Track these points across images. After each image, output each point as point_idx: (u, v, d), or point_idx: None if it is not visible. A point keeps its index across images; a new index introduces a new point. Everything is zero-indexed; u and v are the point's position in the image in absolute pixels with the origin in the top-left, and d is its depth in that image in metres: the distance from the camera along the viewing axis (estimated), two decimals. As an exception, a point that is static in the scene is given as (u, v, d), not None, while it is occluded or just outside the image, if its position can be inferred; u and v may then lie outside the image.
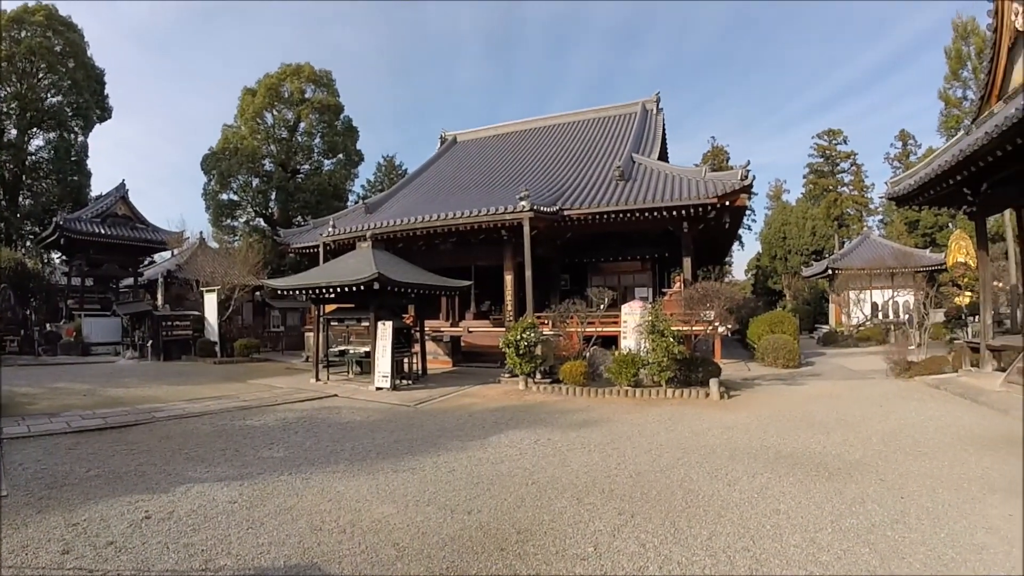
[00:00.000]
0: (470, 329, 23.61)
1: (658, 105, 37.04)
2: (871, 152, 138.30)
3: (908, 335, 22.03)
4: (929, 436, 9.42)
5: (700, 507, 6.19)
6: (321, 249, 25.46)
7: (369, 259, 16.83)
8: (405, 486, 7.02)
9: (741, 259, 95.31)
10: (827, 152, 71.07)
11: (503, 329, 19.14)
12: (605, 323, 19.54)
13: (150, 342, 26.09)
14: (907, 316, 30.80)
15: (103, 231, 30.81)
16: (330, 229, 25.03)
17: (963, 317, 25.77)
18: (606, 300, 20.05)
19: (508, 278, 22.27)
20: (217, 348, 25.89)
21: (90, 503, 6.35)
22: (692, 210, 20.52)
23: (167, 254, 36.23)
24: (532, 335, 15.93)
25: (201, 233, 36.63)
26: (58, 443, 9.30)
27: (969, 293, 26.61)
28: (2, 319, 27.83)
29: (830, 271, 40.43)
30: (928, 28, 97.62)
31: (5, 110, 37.59)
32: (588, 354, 16.96)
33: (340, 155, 48.30)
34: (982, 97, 15.75)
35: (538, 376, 16.37)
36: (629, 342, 16.43)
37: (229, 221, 45.98)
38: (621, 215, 21.04)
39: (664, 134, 34.81)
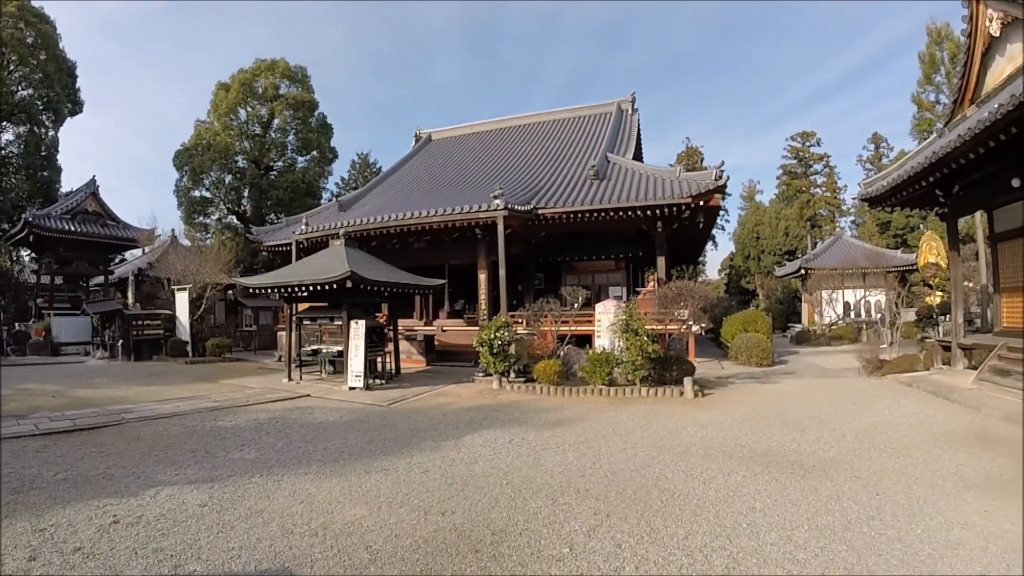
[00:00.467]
0: (444, 328, 23.54)
1: (633, 105, 37.24)
2: (844, 154, 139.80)
3: (880, 334, 22.29)
4: (903, 433, 9.52)
5: (676, 506, 6.19)
6: (294, 247, 25.26)
7: (342, 257, 16.70)
8: (378, 487, 6.95)
9: (715, 259, 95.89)
10: (800, 154, 71.79)
11: (477, 328, 19.12)
12: (579, 322, 19.58)
13: (120, 342, 25.70)
14: (879, 315, 31.21)
15: (73, 228, 30.37)
16: (303, 227, 24.87)
17: (934, 316, 26.11)
18: (580, 299, 20.08)
19: (482, 277, 22.25)
20: (189, 348, 25.58)
21: (58, 507, 6.21)
22: (666, 210, 20.62)
23: (138, 252, 35.81)
24: (506, 334, 15.88)
25: (173, 230, 36.25)
26: (26, 446, 9.10)
27: (940, 293, 27.05)
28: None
29: (803, 271, 40.83)
30: (902, 33, 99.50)
31: (-26, 103, 36.72)
32: (562, 353, 16.96)
33: (314, 152, 47.88)
34: (955, 101, 16.04)
35: (512, 375, 16.33)
36: (603, 341, 16.46)
37: (201, 218, 45.41)
38: (596, 214, 21.09)
39: (639, 134, 35.01)
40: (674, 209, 20.54)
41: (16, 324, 29.23)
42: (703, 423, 10.78)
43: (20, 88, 38.02)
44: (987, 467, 7.42)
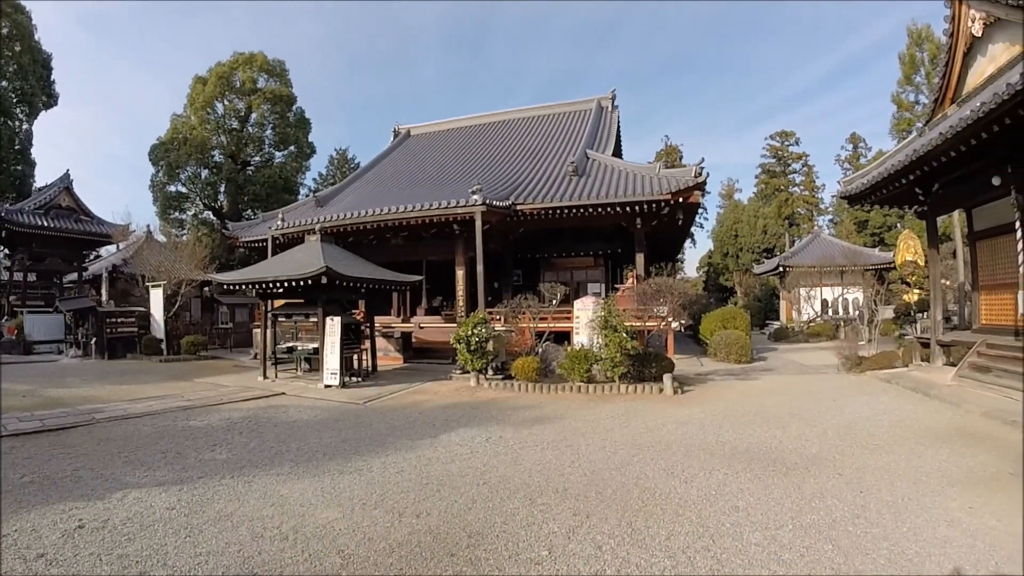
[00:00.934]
0: (421, 325, 23.43)
1: (613, 103, 37.31)
2: (822, 154, 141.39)
3: (858, 331, 22.41)
4: (884, 430, 9.52)
5: (657, 505, 6.09)
6: (270, 243, 25.01)
7: (317, 253, 16.48)
8: (351, 488, 6.80)
9: (693, 256, 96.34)
10: (779, 153, 72.46)
11: (455, 325, 18.93)
12: (558, 318, 19.55)
13: (94, 340, 25.25)
14: (857, 312, 31.40)
15: (46, 223, 29.70)
16: (279, 222, 24.61)
17: (912, 314, 26.39)
18: (559, 295, 20.07)
19: (460, 273, 22.17)
20: (163, 346, 25.14)
21: (22, 512, 6.01)
22: (646, 206, 20.63)
23: (113, 248, 35.30)
24: (483, 331, 15.75)
25: (148, 226, 35.86)
26: (-9, 447, 8.87)
27: (918, 290, 27.24)
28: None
29: (781, 268, 41.17)
30: (883, 36, 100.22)
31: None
32: (540, 350, 16.88)
33: (292, 147, 47.21)
34: (936, 100, 16.18)
35: (490, 372, 16.24)
36: (582, 337, 16.37)
37: (177, 214, 44.62)
38: (575, 210, 21.06)
39: (619, 131, 35.10)
40: (653, 205, 20.54)
41: (-12, 322, 28.65)
42: (683, 420, 10.71)
43: (-6, 80, 37.34)
44: (969, 463, 7.41)
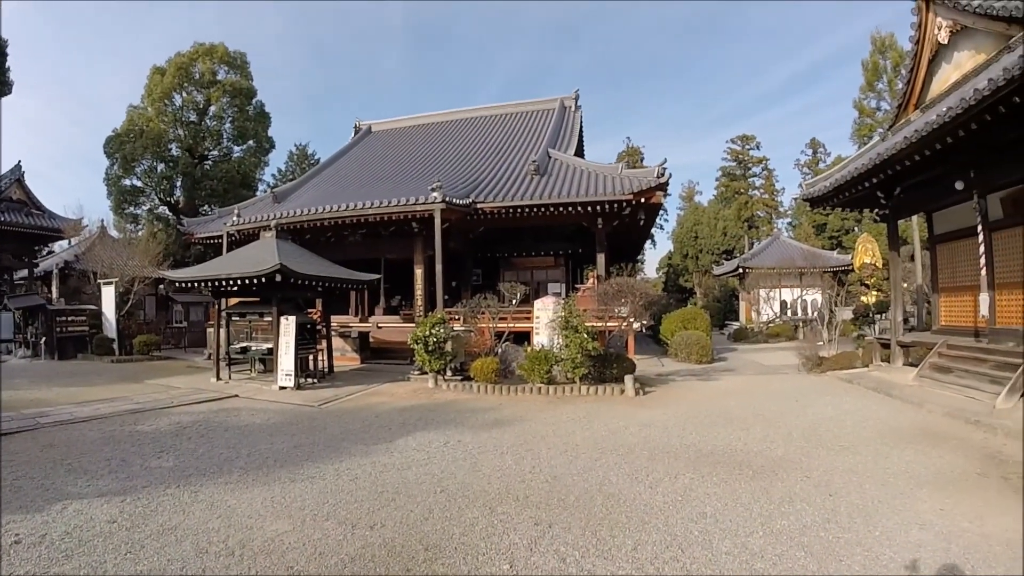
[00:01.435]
0: (379, 324, 23.13)
1: (576, 102, 37.38)
2: (782, 158, 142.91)
3: (817, 331, 22.65)
4: (848, 430, 9.56)
5: (622, 513, 5.96)
6: (225, 239, 24.52)
7: (272, 250, 16.14)
8: (303, 498, 6.58)
9: (653, 257, 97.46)
10: (740, 156, 73.32)
11: (413, 325, 18.74)
12: (518, 319, 19.42)
13: (43, 339, 24.56)
14: (816, 313, 31.81)
15: (-4, 217, 28.73)
16: (235, 218, 24.12)
17: (870, 315, 26.78)
18: (519, 295, 19.90)
19: (419, 272, 22.01)
20: (115, 345, 24.46)
21: (-44, 527, 5.69)
22: (608, 206, 20.63)
23: (65, 243, 34.38)
24: (442, 331, 15.54)
25: (102, 221, 34.87)
26: (-75, 456, 8.45)
27: (876, 292, 27.66)
28: None
29: (741, 270, 41.57)
30: (846, 43, 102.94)
31: None
32: (500, 350, 16.75)
33: (251, 142, 46.31)
34: (899, 105, 16.46)
35: (448, 373, 16.05)
36: (542, 338, 16.25)
37: (132, 209, 43.41)
38: (536, 210, 20.98)
39: (581, 131, 35.16)
40: (615, 206, 20.54)
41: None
42: (646, 422, 10.65)
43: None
44: (936, 464, 7.46)
